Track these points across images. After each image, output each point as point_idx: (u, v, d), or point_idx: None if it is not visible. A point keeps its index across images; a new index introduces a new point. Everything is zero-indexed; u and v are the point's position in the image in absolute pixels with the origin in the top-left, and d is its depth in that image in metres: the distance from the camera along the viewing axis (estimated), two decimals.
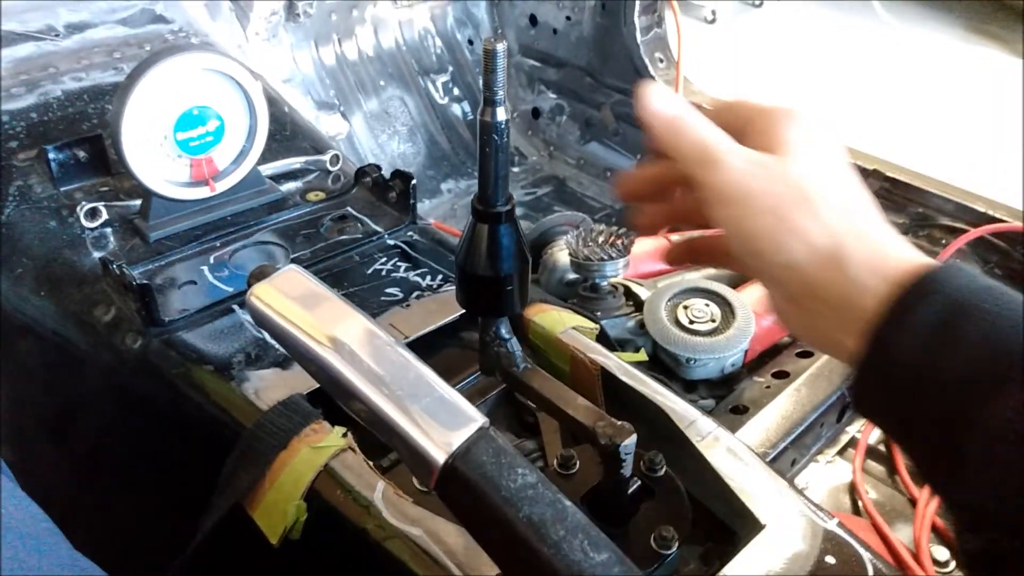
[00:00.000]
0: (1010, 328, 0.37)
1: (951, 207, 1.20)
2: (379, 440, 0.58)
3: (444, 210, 1.57)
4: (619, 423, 0.49)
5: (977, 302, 0.38)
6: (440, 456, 0.41)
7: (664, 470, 0.54)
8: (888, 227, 0.43)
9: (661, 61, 1.50)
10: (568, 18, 1.62)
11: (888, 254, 0.41)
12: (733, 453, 0.57)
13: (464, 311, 0.51)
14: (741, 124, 0.45)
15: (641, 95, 0.45)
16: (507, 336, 0.52)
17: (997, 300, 0.38)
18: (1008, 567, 0.35)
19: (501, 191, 0.45)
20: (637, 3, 1.47)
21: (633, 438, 0.48)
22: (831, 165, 0.43)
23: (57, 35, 1.02)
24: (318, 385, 0.60)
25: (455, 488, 0.41)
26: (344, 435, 0.56)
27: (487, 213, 0.46)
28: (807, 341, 0.45)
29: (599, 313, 0.97)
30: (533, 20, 1.68)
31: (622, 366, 0.65)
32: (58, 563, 0.44)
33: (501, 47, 0.41)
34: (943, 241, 1.19)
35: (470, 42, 1.71)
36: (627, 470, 0.50)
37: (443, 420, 0.42)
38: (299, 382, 0.61)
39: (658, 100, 0.45)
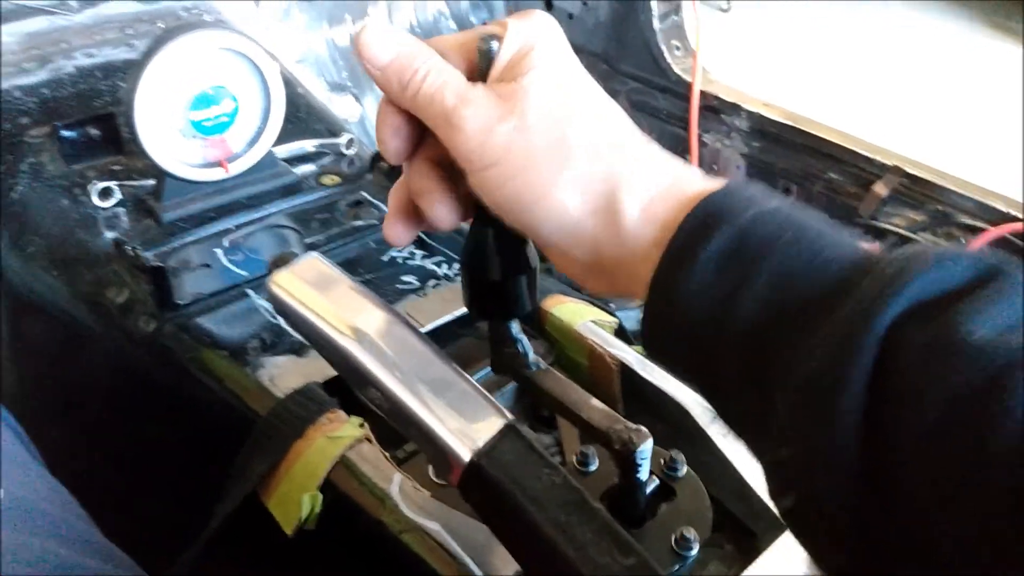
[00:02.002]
0: (804, 265, 0.32)
1: (970, 205, 1.19)
2: (395, 431, 0.58)
3: None
4: (634, 426, 0.48)
5: (767, 232, 0.33)
6: (465, 453, 0.40)
7: (685, 470, 0.53)
8: (661, 155, 0.38)
9: (678, 49, 1.48)
10: (584, 3, 1.60)
11: (674, 187, 0.36)
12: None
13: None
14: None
15: (358, 40, 0.38)
16: (517, 336, 0.51)
17: (786, 228, 0.33)
18: (819, 529, 0.32)
19: None
20: None
21: (649, 442, 0.47)
22: (581, 91, 0.38)
23: (69, 10, 1.01)
24: (334, 374, 0.59)
25: (479, 486, 0.40)
26: (360, 425, 0.55)
27: (490, 215, 0.41)
28: (605, 296, 0.42)
29: (613, 306, 0.96)
30: (549, 4, 1.66)
31: (642, 361, 0.64)
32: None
33: (495, 45, 0.38)
34: (962, 239, 1.18)
35: (484, 24, 1.69)
36: (643, 473, 0.49)
37: (468, 416, 0.41)
38: (315, 370, 0.61)
39: (377, 42, 0.38)
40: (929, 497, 0.28)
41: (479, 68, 0.39)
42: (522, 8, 1.70)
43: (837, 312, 0.31)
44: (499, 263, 0.43)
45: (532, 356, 0.51)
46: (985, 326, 0.28)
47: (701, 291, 0.34)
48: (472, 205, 0.42)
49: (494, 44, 0.38)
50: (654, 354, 0.38)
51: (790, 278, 0.32)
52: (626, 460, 0.48)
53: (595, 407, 0.50)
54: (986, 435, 0.27)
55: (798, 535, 0.33)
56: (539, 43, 0.38)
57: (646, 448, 0.47)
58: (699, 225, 0.34)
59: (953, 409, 0.28)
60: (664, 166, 0.37)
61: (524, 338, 0.51)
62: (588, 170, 0.36)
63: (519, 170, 0.36)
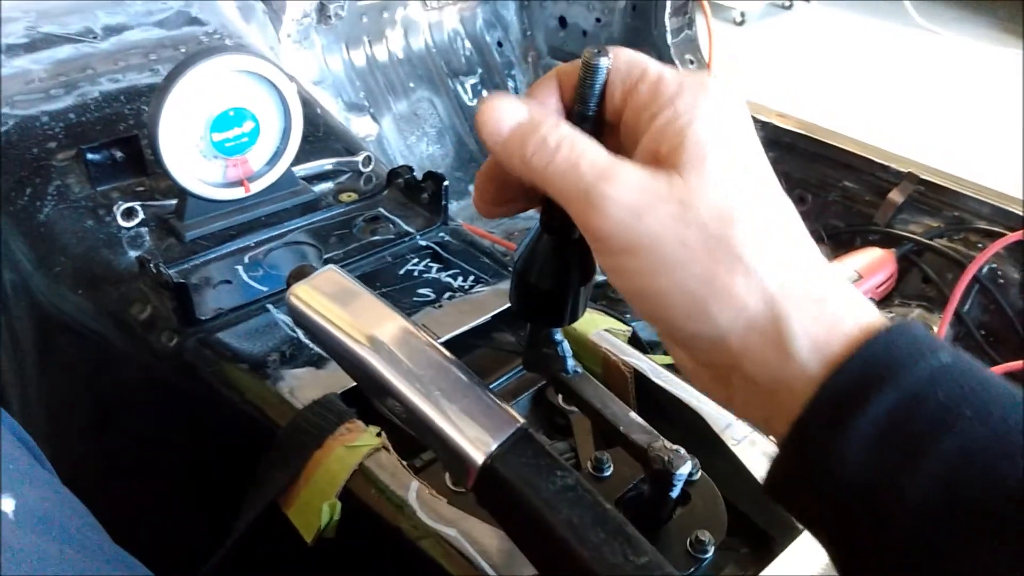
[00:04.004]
0: (991, 447, 0.28)
1: (987, 210, 1.18)
2: (412, 440, 0.59)
3: (471, 212, 1.57)
4: (672, 446, 0.48)
5: (944, 400, 0.29)
6: (479, 457, 0.41)
7: (700, 474, 0.54)
8: (828, 271, 0.33)
9: (691, 63, 1.49)
10: (598, 20, 1.61)
11: (836, 319, 0.31)
12: (769, 457, 0.56)
13: (495, 312, 0.50)
14: (620, 105, 0.34)
15: (478, 119, 0.34)
16: (559, 339, 0.50)
17: (966, 396, 0.29)
18: None
19: None
20: (668, 4, 1.46)
21: (688, 465, 0.47)
22: (756, 182, 0.32)
23: (95, 37, 1.04)
24: (352, 384, 0.60)
25: (493, 489, 0.41)
26: (378, 434, 0.56)
27: (555, 225, 0.40)
28: (728, 410, 0.36)
29: (628, 315, 0.96)
30: (562, 22, 1.68)
31: (655, 369, 0.64)
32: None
33: (605, 62, 0.34)
34: (979, 245, 1.17)
35: (499, 44, 1.71)
36: (676, 491, 0.49)
37: (482, 420, 0.42)
38: (333, 381, 0.62)
39: (498, 113, 0.33)
40: None
41: (580, 85, 0.35)
42: (536, 25, 1.72)
43: None
44: (554, 272, 0.41)
45: (571, 361, 0.51)
46: None
47: (858, 460, 0.29)
48: (537, 202, 0.39)
49: (603, 60, 0.34)
50: (775, 497, 0.34)
51: (970, 467, 0.28)
52: (662, 480, 0.48)
53: (634, 421, 0.50)
54: None
55: None
56: (708, 115, 0.32)
57: (684, 471, 0.47)
58: (861, 379, 0.30)
59: None
60: (833, 284, 0.32)
61: (565, 342, 0.50)
62: (755, 281, 0.31)
63: (670, 265, 0.31)
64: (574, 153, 0.32)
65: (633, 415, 0.50)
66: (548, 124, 0.33)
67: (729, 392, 0.34)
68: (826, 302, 0.32)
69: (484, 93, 1.69)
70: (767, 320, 0.31)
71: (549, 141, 0.33)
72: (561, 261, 0.41)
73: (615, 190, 0.31)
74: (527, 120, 0.34)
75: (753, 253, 0.31)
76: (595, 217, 0.31)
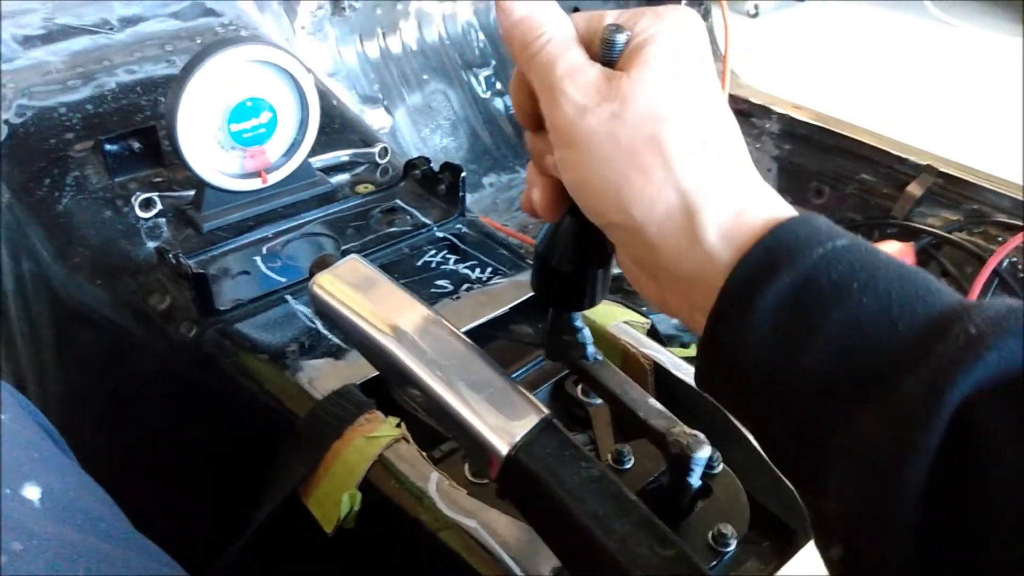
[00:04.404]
0: (873, 321, 0.30)
1: (1007, 203, 1.17)
2: (432, 431, 0.59)
3: (486, 204, 1.57)
4: (691, 431, 0.48)
5: (836, 278, 0.31)
6: (503, 447, 0.41)
7: (721, 467, 0.53)
8: (751, 170, 0.36)
9: None
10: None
11: (746, 212, 0.34)
12: None
13: (512, 304, 0.50)
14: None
15: (500, 7, 0.38)
16: (579, 326, 0.51)
17: (856, 274, 0.31)
18: None
19: None
20: None
21: (706, 449, 0.47)
22: (693, 90, 0.36)
23: (111, 29, 1.04)
24: (371, 375, 0.60)
25: (517, 480, 0.41)
26: (397, 425, 0.56)
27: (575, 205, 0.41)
28: (660, 311, 0.39)
29: (645, 308, 0.96)
30: (576, 11, 1.67)
31: (675, 361, 0.64)
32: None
33: (622, 38, 0.37)
34: (999, 238, 1.16)
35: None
36: (695, 479, 0.49)
37: (506, 411, 0.42)
38: (352, 372, 0.62)
39: (517, 6, 0.37)
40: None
41: (600, 58, 0.38)
42: None
43: (906, 381, 0.29)
44: (575, 254, 0.43)
45: (591, 348, 0.51)
46: None
47: (760, 342, 0.32)
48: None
49: (619, 36, 0.37)
50: (705, 390, 0.37)
51: (857, 337, 0.30)
52: (681, 465, 0.48)
53: (653, 407, 0.50)
54: None
55: None
56: (661, 36, 0.36)
57: (702, 455, 0.47)
58: (761, 265, 0.32)
59: None
60: (748, 182, 0.36)
61: (586, 329, 0.51)
62: (672, 176, 0.34)
63: (601, 159, 0.35)
64: (555, 52, 0.36)
65: (652, 401, 0.50)
66: (554, 24, 0.37)
67: (660, 289, 0.37)
68: (739, 198, 0.35)
69: (498, 85, 1.69)
70: (681, 212, 0.34)
71: (543, 37, 0.37)
72: (582, 243, 0.42)
73: (571, 88, 0.35)
74: (540, 14, 0.37)
75: (675, 150, 0.34)
76: (553, 110, 0.36)
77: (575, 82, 0.36)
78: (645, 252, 0.36)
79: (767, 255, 0.32)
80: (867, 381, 0.30)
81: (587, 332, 0.50)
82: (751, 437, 0.57)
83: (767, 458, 0.36)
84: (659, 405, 0.49)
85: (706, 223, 0.34)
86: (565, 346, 0.50)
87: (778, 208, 0.35)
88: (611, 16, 0.38)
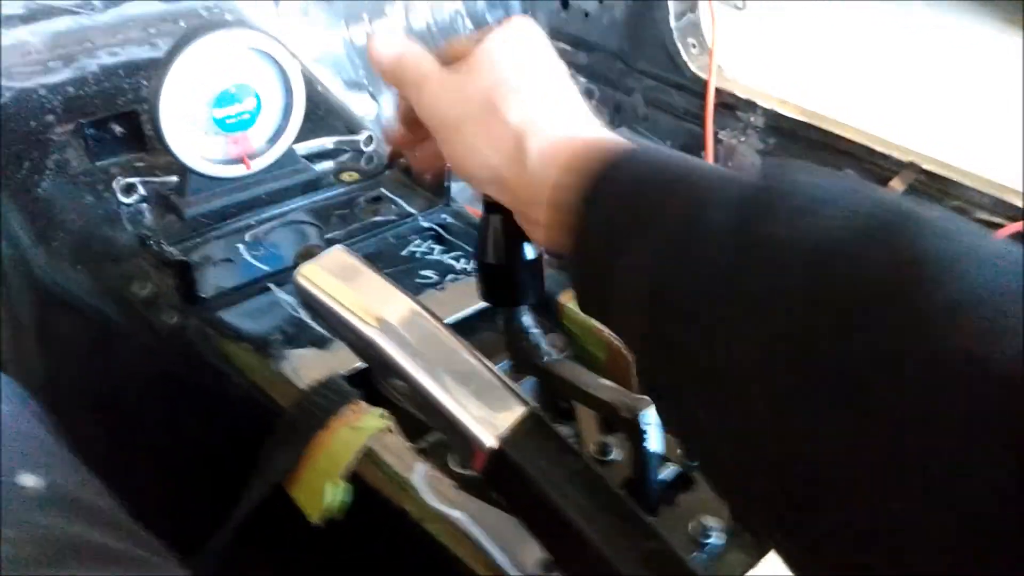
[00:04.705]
0: (666, 172, 0.36)
1: (988, 201, 1.18)
2: (418, 422, 0.59)
3: (470, 193, 1.56)
4: (640, 396, 0.49)
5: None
6: (489, 440, 0.41)
7: None
8: (579, 109, 0.42)
9: (694, 47, 1.48)
10: (600, 1, 1.60)
11: (566, 139, 0.40)
12: None
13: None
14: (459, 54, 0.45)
15: (369, 41, 0.46)
16: (530, 327, 0.53)
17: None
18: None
19: None
20: None
21: (652, 409, 0.49)
22: (524, 60, 0.43)
23: (93, 9, 1.02)
24: (357, 365, 0.60)
25: (503, 472, 0.41)
26: (383, 416, 0.56)
27: (495, 202, 0.46)
28: (558, 255, 0.44)
29: None
30: (564, 3, 1.66)
31: None
32: None
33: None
34: None
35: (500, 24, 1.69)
36: (651, 443, 0.50)
37: (491, 403, 0.42)
38: (337, 362, 0.61)
39: (382, 42, 0.46)
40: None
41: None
42: (537, 7, 1.71)
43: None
44: (499, 248, 0.47)
45: (544, 346, 0.53)
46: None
47: (599, 243, 0.37)
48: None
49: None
50: (590, 314, 0.42)
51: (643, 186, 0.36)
52: (633, 428, 0.49)
53: (604, 385, 0.52)
54: None
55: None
56: (491, 33, 0.43)
57: (650, 412, 0.49)
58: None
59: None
60: (574, 121, 0.41)
61: (537, 330, 0.53)
62: (508, 126, 0.40)
63: (460, 132, 0.41)
64: (419, 62, 0.44)
65: (605, 381, 0.52)
66: (412, 49, 0.45)
67: (546, 232, 0.41)
68: (558, 128, 0.41)
69: None
70: (514, 148, 0.40)
71: (407, 54, 0.45)
72: (506, 236, 0.46)
73: (431, 77, 0.43)
74: (404, 47, 0.46)
75: (506, 101, 0.41)
76: (420, 95, 0.43)
77: (435, 74, 0.43)
78: (512, 200, 0.42)
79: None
80: (646, 217, 0.35)
81: (539, 333, 0.52)
82: None
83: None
84: (612, 383, 0.51)
85: (533, 152, 0.40)
86: (527, 353, 0.53)
87: (601, 132, 0.41)
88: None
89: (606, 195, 0.37)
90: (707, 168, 0.37)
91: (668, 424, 0.40)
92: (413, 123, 0.47)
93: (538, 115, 0.41)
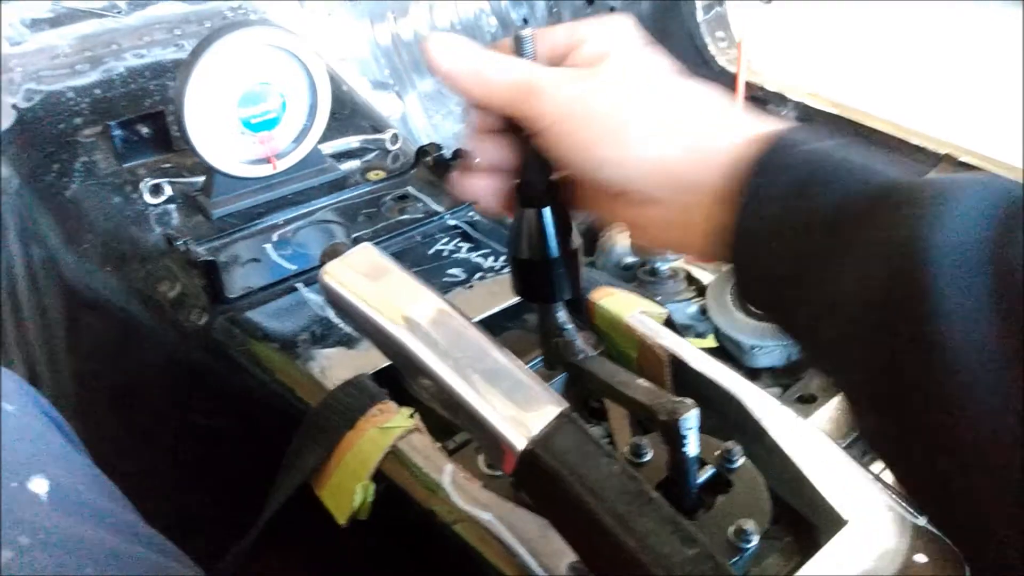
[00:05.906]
0: (857, 186, 0.35)
1: None
2: (445, 421, 0.58)
3: None
4: (679, 399, 0.47)
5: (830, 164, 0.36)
6: (520, 442, 0.39)
7: (742, 460, 0.52)
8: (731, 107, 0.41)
9: (722, 40, 1.46)
10: None
11: (744, 128, 0.39)
12: (813, 444, 0.54)
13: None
14: (559, 52, 0.43)
15: (428, 53, 0.41)
16: (565, 325, 0.51)
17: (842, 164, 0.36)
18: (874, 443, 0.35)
19: (543, 172, 0.44)
20: None
21: (694, 412, 0.46)
22: (652, 69, 0.41)
23: (119, 12, 1.02)
24: (384, 365, 0.59)
25: (534, 475, 0.40)
26: (411, 416, 0.55)
27: (530, 196, 0.45)
28: (662, 242, 0.43)
29: (659, 298, 0.95)
30: (590, 1, 1.65)
31: (694, 353, 0.63)
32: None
33: (527, 33, 0.42)
34: None
35: (524, 21, 1.68)
36: (690, 448, 0.48)
37: (522, 404, 0.41)
38: (364, 361, 0.61)
39: (449, 55, 0.41)
40: None
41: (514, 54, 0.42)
42: (563, 5, 1.69)
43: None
44: (537, 244, 0.45)
45: (580, 343, 0.51)
46: None
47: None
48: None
49: (525, 33, 0.41)
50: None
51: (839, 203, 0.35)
52: (672, 432, 0.47)
53: (640, 386, 0.50)
54: None
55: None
56: (616, 46, 0.41)
57: (691, 416, 0.46)
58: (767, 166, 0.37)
59: None
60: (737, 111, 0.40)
61: (571, 327, 0.51)
62: (669, 115, 0.39)
63: (598, 113, 0.39)
64: (519, 70, 0.41)
65: (641, 381, 0.50)
66: (493, 59, 0.41)
67: (660, 210, 0.40)
68: (727, 118, 0.40)
69: None
70: (694, 138, 0.38)
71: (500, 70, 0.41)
72: (540, 231, 0.45)
73: (551, 80, 0.40)
74: (481, 60, 0.42)
75: (656, 91, 0.40)
76: (540, 101, 0.40)
77: (555, 75, 0.40)
78: (661, 177, 0.39)
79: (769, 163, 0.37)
80: (848, 233, 0.34)
81: (573, 330, 0.51)
82: (771, 431, 0.56)
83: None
84: (647, 383, 0.49)
85: (705, 136, 0.38)
86: (559, 349, 0.51)
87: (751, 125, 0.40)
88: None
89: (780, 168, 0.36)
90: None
91: (908, 489, 0.37)
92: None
93: (697, 105, 0.40)
